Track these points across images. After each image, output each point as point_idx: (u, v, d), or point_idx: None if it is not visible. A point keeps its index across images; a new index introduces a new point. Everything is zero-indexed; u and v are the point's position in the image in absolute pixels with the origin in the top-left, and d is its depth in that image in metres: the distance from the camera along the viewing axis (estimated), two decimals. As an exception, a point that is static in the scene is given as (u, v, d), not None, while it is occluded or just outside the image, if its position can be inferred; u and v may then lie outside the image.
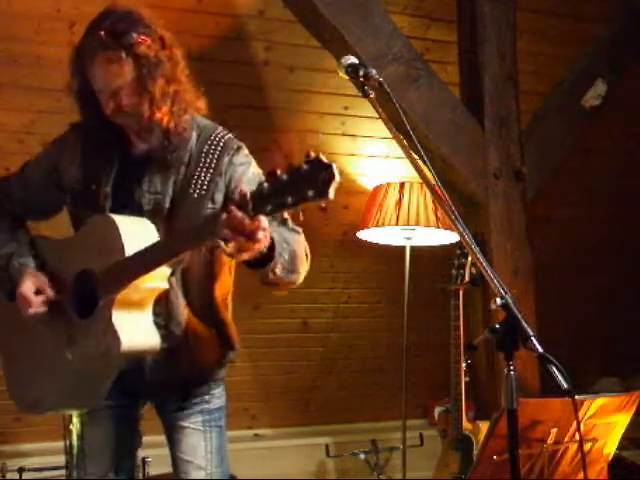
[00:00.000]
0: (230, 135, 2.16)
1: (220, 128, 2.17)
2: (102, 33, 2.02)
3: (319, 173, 1.59)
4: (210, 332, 2.17)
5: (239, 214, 1.70)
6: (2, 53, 3.44)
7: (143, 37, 2.04)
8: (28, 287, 2.12)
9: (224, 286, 2.21)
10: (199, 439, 2.20)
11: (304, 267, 2.10)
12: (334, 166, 1.59)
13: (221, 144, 2.12)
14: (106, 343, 1.97)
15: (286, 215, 2.06)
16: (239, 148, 2.15)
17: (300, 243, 2.08)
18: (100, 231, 2.06)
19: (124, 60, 2.03)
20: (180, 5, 3.48)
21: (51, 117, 3.50)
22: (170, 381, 2.15)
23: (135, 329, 2.00)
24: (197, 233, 1.87)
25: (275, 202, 1.64)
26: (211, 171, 2.09)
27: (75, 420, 3.06)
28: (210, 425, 2.22)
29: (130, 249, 1.96)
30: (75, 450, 3.14)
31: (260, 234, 1.76)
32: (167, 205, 2.09)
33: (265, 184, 1.65)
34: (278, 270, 1.94)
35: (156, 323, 2.05)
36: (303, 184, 1.60)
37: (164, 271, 2.02)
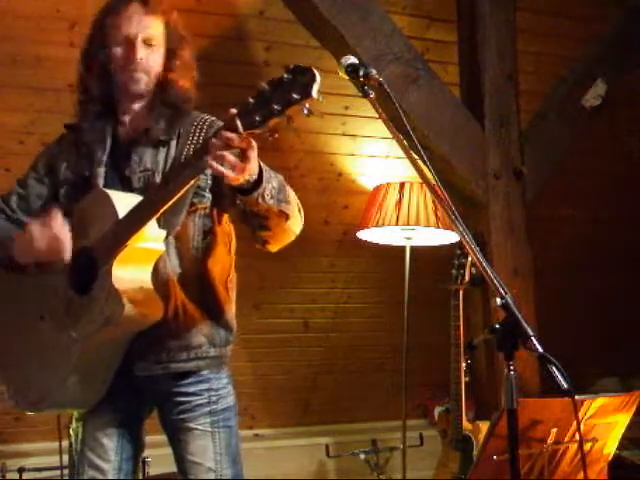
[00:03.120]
0: (215, 119, 2.21)
1: (203, 114, 2.22)
2: None
3: (301, 77, 1.70)
4: (199, 307, 2.14)
5: (228, 133, 1.78)
6: (2, 53, 3.44)
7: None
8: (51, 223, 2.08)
9: (221, 264, 2.18)
10: (208, 440, 2.17)
11: (298, 211, 2.12)
12: (314, 69, 1.69)
13: (207, 124, 2.17)
14: (110, 309, 1.97)
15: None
16: None
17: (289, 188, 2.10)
18: (92, 204, 2.09)
19: (159, 18, 2.15)
20: (180, 5, 3.45)
21: (51, 117, 3.50)
22: (156, 354, 2.11)
23: (136, 293, 2.00)
24: (191, 160, 1.93)
25: (263, 112, 1.74)
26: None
27: (75, 424, 3.04)
28: (219, 426, 2.18)
29: (123, 213, 1.98)
30: (75, 453, 3.13)
31: (250, 152, 1.82)
32: (158, 180, 2.11)
33: (250, 99, 1.75)
34: (267, 196, 1.97)
35: None
36: (287, 90, 1.71)
37: (159, 232, 2.04)
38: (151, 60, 2.14)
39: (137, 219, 1.97)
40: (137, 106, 2.20)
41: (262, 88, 1.74)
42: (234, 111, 1.78)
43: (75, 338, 2.06)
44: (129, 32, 2.11)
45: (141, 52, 2.12)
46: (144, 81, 2.15)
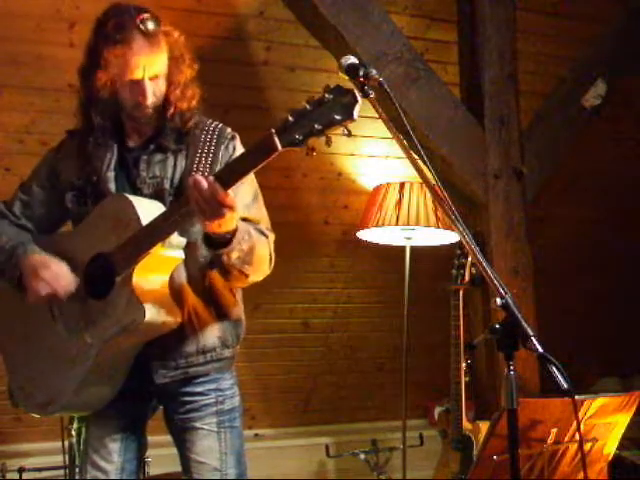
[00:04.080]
0: (222, 124, 2.22)
1: (209, 119, 2.23)
2: (142, 18, 2.05)
3: (342, 98, 1.73)
4: (209, 311, 2.17)
5: (216, 185, 1.83)
6: (2, 53, 3.44)
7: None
8: (59, 265, 2.09)
9: None
10: (213, 440, 2.19)
11: (263, 267, 2.15)
12: (355, 90, 1.73)
13: (216, 132, 2.19)
14: (130, 315, 1.98)
15: (257, 218, 2.16)
16: (233, 137, 2.21)
17: (264, 245, 2.13)
18: (112, 209, 2.09)
19: (162, 48, 2.10)
20: (180, 5, 3.48)
21: (51, 117, 3.51)
22: (175, 360, 2.14)
23: (156, 300, 2.01)
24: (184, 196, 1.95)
25: (303, 131, 1.75)
26: (210, 157, 2.14)
27: (77, 424, 3.04)
28: (224, 426, 2.22)
29: (146, 220, 1.99)
30: (77, 452, 3.13)
31: (224, 210, 1.85)
32: (167, 187, 2.12)
33: (289, 117, 1.76)
34: (233, 256, 2.01)
35: None
36: (328, 110, 1.74)
37: (180, 240, 2.06)
38: (157, 93, 2.12)
39: (162, 228, 1.97)
40: (143, 124, 2.20)
41: (303, 107, 1.76)
42: (272, 130, 1.79)
43: (90, 343, 2.06)
44: (137, 76, 2.07)
45: (149, 92, 2.09)
46: (152, 113, 2.15)
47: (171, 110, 2.15)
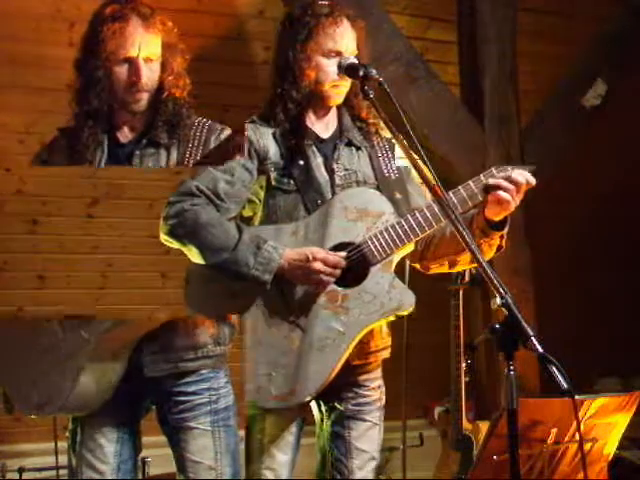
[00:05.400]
0: (212, 121, 2.22)
1: (200, 117, 2.23)
2: (138, 3, 2.12)
3: None
4: None
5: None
6: (2, 53, 3.44)
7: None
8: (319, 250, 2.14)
9: None
10: (208, 439, 2.19)
11: None
12: None
13: (206, 127, 2.19)
14: (396, 300, 2.24)
15: None
16: (223, 129, 2.21)
17: None
18: (359, 201, 2.19)
19: (158, 32, 2.13)
20: (180, 5, 3.48)
21: (51, 117, 3.50)
22: (165, 355, 2.13)
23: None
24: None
25: None
26: (201, 149, 2.15)
27: (72, 425, 3.03)
28: (219, 425, 2.21)
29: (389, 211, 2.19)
30: (72, 454, 3.12)
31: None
32: None
33: None
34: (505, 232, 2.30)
35: None
36: None
37: None
38: (151, 77, 2.13)
39: (421, 227, 2.22)
40: (135, 117, 2.19)
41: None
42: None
43: (87, 338, 2.06)
44: (132, 53, 2.09)
45: (143, 72, 2.10)
46: (145, 100, 2.15)
47: (165, 94, 2.15)
